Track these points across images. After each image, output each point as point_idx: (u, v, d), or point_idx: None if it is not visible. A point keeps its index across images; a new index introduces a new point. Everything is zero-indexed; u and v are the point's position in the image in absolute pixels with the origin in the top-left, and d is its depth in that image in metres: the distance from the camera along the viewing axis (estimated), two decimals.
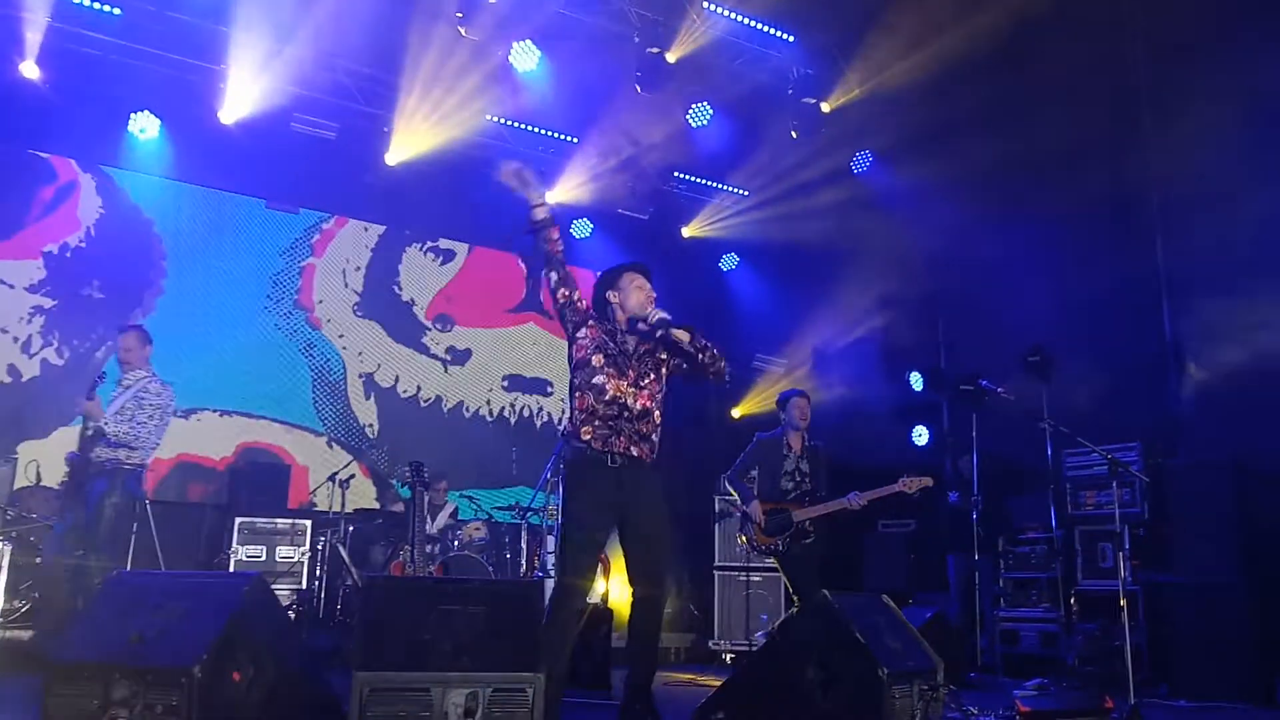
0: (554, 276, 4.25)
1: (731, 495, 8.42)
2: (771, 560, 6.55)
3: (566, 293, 4.26)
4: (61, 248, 8.35)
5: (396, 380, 9.67)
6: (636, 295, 4.29)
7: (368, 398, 9.51)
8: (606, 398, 4.12)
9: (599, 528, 4.10)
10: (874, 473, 6.71)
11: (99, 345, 8.30)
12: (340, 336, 9.47)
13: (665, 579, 4.22)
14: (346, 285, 9.61)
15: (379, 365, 9.60)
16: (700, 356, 4.24)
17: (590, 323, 4.27)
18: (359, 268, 9.68)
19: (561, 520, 4.21)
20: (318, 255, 9.51)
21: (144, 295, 8.61)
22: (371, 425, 9.45)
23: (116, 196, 8.64)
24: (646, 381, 4.22)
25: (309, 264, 9.45)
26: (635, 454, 4.12)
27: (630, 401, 4.15)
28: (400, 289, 9.89)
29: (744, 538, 6.39)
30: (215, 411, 8.66)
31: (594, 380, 4.15)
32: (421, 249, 10.05)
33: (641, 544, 4.12)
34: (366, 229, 9.80)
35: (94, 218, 8.51)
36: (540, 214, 4.24)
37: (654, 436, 4.23)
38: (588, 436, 4.09)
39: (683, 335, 4.21)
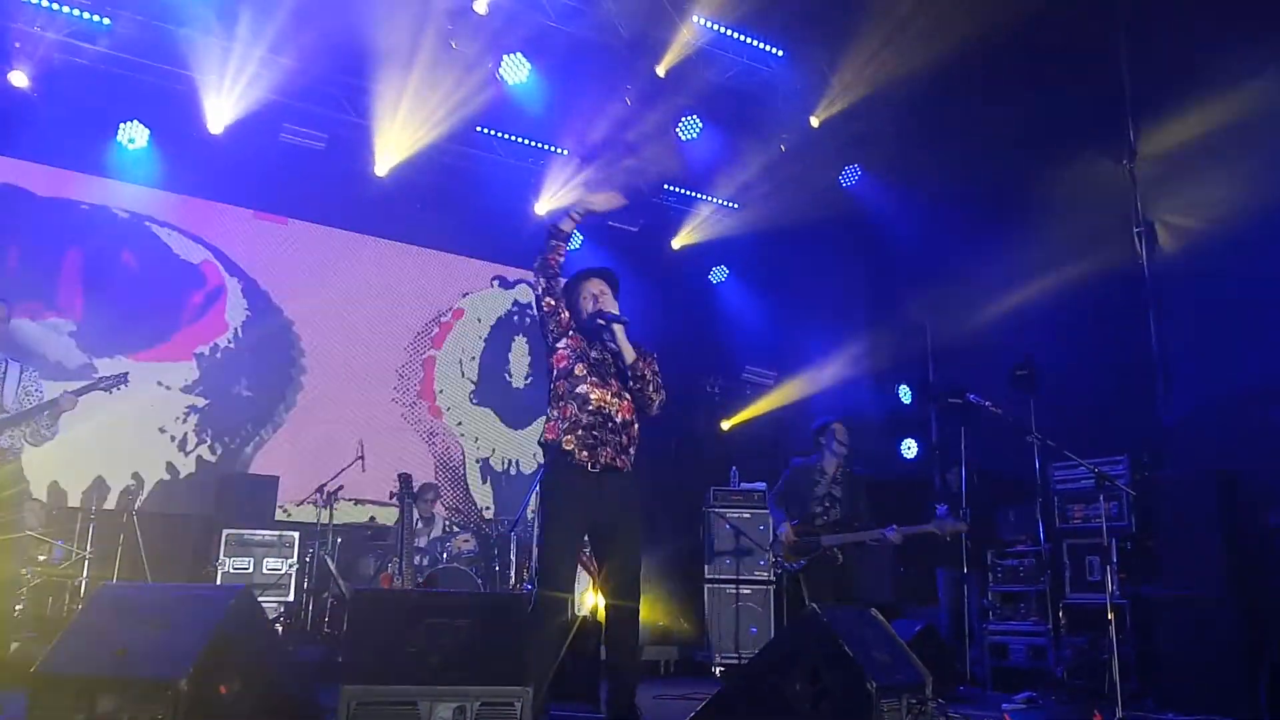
0: (544, 283, 4.26)
1: (722, 510, 8.50)
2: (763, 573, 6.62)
3: (554, 302, 4.27)
4: (212, 349, 8.80)
5: (509, 464, 10.20)
6: (589, 301, 4.32)
7: (484, 481, 10.01)
8: (591, 407, 4.12)
9: (577, 536, 4.12)
10: (864, 485, 6.76)
11: (248, 441, 8.81)
12: (459, 424, 10.00)
13: (639, 589, 4.17)
14: (463, 375, 10.16)
15: (494, 450, 10.16)
16: (631, 382, 4.23)
17: (572, 333, 4.29)
18: (474, 358, 10.25)
19: (540, 531, 4.20)
20: (437, 347, 10.04)
21: (287, 391, 9.09)
22: (489, 508, 9.94)
23: (260, 299, 9.12)
24: (628, 393, 4.24)
25: (430, 356, 9.98)
26: (618, 465, 4.13)
27: (613, 411, 4.16)
28: (510, 376, 10.43)
29: (773, 555, 6.51)
30: (350, 501, 8.56)
31: (578, 389, 4.15)
32: (526, 339, 10.55)
33: (618, 555, 4.12)
34: (480, 320, 10.32)
35: (241, 319, 8.99)
36: (568, 227, 4.28)
37: (632, 449, 4.24)
38: (570, 446, 4.08)
39: (626, 347, 4.23)
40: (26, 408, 5.45)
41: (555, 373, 4.25)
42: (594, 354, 4.25)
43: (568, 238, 4.29)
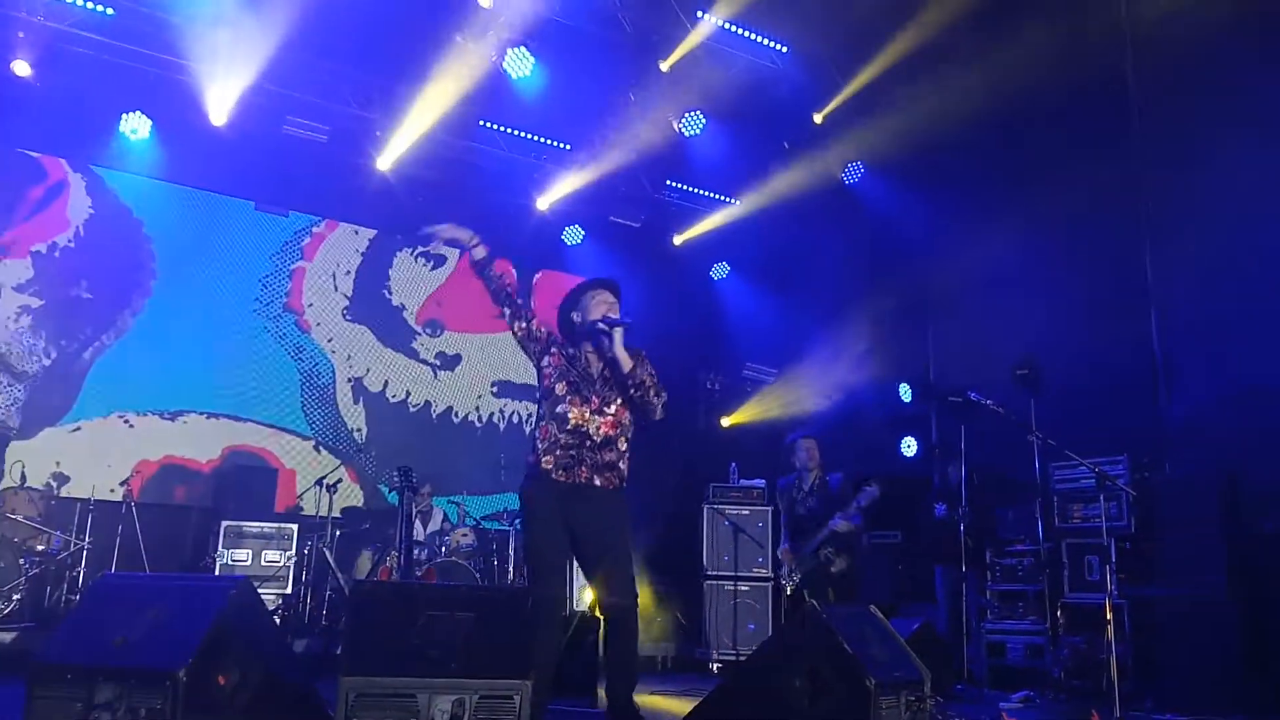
0: (507, 312, 4.23)
1: (721, 507, 8.53)
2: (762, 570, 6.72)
3: (523, 325, 4.23)
4: (50, 247, 8.31)
5: (385, 385, 9.65)
6: (598, 310, 4.21)
7: (356, 402, 9.51)
8: (569, 426, 4.07)
9: (559, 546, 4.07)
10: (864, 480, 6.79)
11: (86, 346, 8.31)
12: (329, 340, 9.48)
13: (631, 590, 4.13)
14: (336, 289, 9.61)
15: (368, 370, 9.61)
16: (630, 390, 4.12)
17: (553, 349, 4.23)
18: (349, 271, 9.70)
19: (523, 545, 4.26)
20: (308, 259, 9.51)
21: (132, 296, 8.60)
22: (360, 430, 9.45)
23: (106, 197, 8.60)
24: (611, 408, 4.14)
25: (299, 267, 9.45)
26: (598, 484, 4.07)
27: (591, 429, 4.08)
28: (390, 293, 9.91)
29: (779, 575, 6.89)
30: (202, 414, 8.63)
31: (557, 409, 4.10)
32: (412, 253, 10.05)
33: (600, 560, 4.09)
34: (357, 232, 9.78)
35: (83, 218, 8.48)
36: (479, 253, 4.20)
37: (620, 464, 4.15)
38: (549, 465, 4.05)
39: (622, 355, 4.10)
40: None
41: (539, 392, 4.23)
42: (574, 371, 4.17)
43: (487, 262, 4.21)
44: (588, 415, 4.10)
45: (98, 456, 8.06)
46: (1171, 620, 5.94)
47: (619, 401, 4.16)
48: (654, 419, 4.21)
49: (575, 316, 4.30)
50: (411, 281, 10.00)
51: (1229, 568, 5.78)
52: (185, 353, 8.53)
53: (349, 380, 9.50)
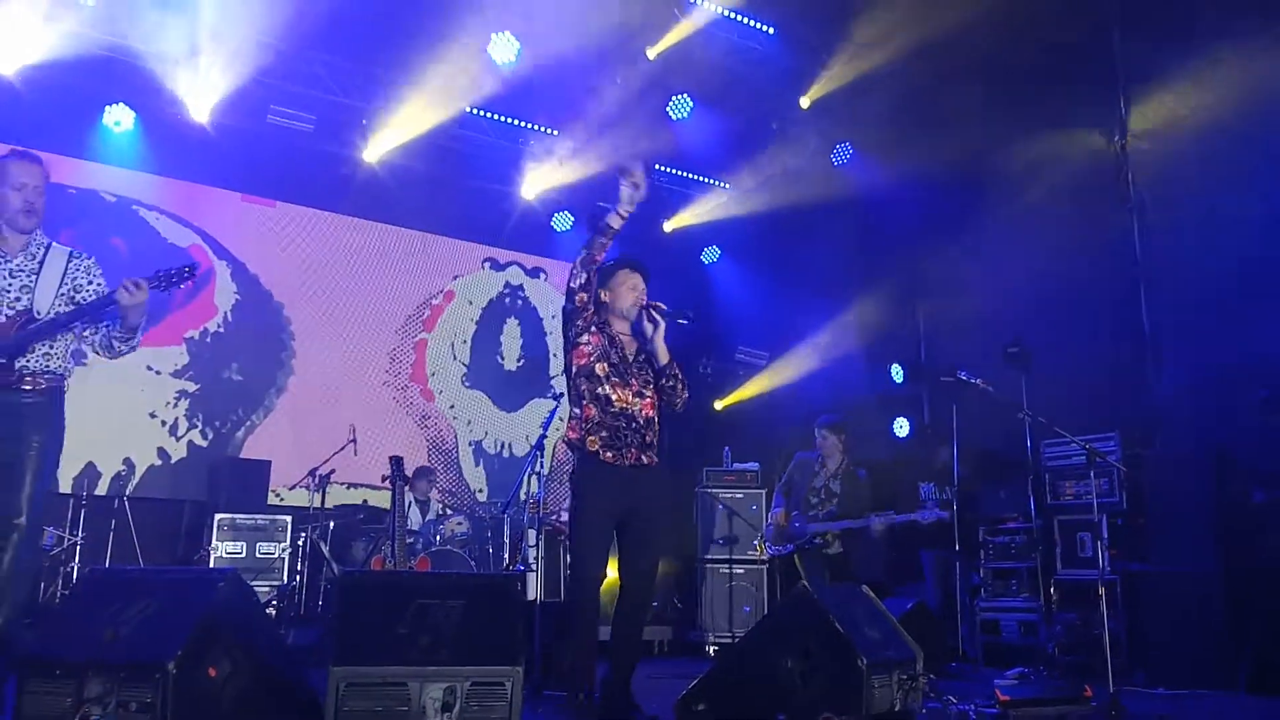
0: (585, 277, 4.20)
1: (715, 491, 8.53)
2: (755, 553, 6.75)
3: (587, 296, 4.23)
4: (202, 333, 8.80)
5: (502, 446, 10.25)
6: (628, 296, 4.28)
7: (477, 464, 10.09)
8: (614, 409, 4.14)
9: (607, 530, 4.15)
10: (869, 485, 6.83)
11: (239, 426, 8.80)
12: (451, 407, 10.04)
13: (655, 576, 4.26)
14: (455, 358, 10.13)
15: (486, 433, 10.18)
16: (663, 380, 4.27)
17: (594, 329, 4.25)
18: (465, 340, 10.23)
19: (571, 526, 4.27)
20: (428, 330, 10.01)
21: (277, 375, 9.08)
22: (482, 490, 10.00)
23: (250, 282, 9.11)
24: (650, 391, 4.25)
25: (420, 339, 9.94)
26: (645, 462, 4.18)
27: (635, 411, 4.18)
28: (503, 359, 10.39)
29: (760, 540, 6.94)
30: (343, 484, 8.64)
31: (599, 391, 4.16)
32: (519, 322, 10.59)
33: (639, 543, 4.17)
34: (470, 303, 10.28)
35: (230, 303, 8.98)
36: (617, 223, 4.18)
37: (656, 443, 4.29)
38: (595, 446, 4.11)
39: (662, 347, 4.24)
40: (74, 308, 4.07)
41: (575, 370, 4.23)
42: (615, 353, 4.24)
43: (614, 233, 4.18)
44: (630, 398, 4.19)
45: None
46: (1163, 595, 5.97)
47: (654, 385, 4.29)
48: (676, 410, 4.36)
49: (604, 295, 4.33)
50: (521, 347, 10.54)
51: (1218, 542, 5.81)
52: (326, 427, 8.44)
53: (469, 444, 10.12)
